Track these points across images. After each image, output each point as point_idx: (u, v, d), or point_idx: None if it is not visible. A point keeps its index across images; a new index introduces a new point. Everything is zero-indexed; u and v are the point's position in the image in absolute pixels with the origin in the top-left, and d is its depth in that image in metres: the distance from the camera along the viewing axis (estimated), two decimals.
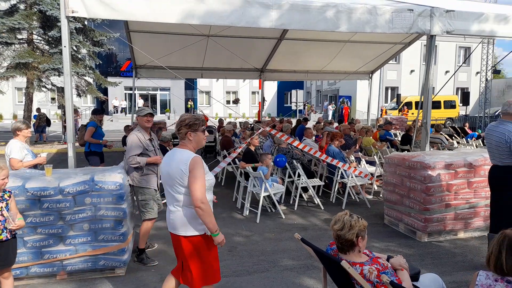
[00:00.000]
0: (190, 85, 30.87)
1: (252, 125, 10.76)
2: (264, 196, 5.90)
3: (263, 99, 15.25)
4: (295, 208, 6.21)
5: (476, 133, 11.67)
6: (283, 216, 5.76)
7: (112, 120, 26.96)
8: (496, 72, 19.92)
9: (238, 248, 4.57)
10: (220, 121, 12.87)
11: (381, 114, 20.99)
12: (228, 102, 36.26)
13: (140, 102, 29.83)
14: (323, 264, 2.59)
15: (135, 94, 17.35)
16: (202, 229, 2.60)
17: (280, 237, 4.92)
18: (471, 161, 4.79)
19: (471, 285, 2.02)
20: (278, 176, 6.82)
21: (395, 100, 23.38)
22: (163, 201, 5.20)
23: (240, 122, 11.75)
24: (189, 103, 34.61)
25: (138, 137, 4.12)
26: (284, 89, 38.62)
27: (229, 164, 7.27)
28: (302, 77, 14.04)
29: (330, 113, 28.49)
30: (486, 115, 18.37)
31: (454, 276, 3.82)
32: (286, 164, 6.50)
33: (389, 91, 29.31)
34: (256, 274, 3.88)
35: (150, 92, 33.65)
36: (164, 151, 6.43)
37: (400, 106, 21.64)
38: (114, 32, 14.97)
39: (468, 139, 10.34)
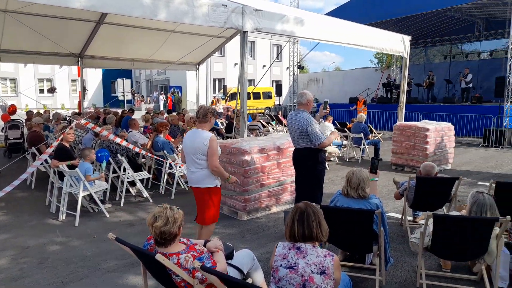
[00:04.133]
0: None
1: (69, 118, 9.58)
2: (84, 196, 5.36)
3: (84, 88, 13.77)
4: (122, 205, 5.88)
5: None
6: (108, 215, 5.37)
7: None
8: (301, 67, 23.45)
9: (50, 259, 4.01)
10: (29, 113, 10.96)
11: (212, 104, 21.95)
12: (42, 91, 31.29)
13: None
14: (142, 260, 2.52)
15: None
16: (214, 183, 3.76)
17: (103, 238, 4.56)
18: (279, 145, 5.49)
19: (272, 255, 2.31)
20: (101, 171, 6.29)
21: (221, 91, 24.77)
22: None
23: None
24: None
25: None
26: (111, 78, 35.83)
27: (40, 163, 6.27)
28: (128, 65, 13.29)
29: (162, 103, 28.08)
30: (294, 104, 21.48)
31: (267, 246, 4.33)
32: (110, 159, 6.06)
33: (217, 82, 30.85)
34: (73, 283, 3.49)
35: None
36: None
37: (227, 97, 23.06)
38: None
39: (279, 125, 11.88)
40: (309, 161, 4.42)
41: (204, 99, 21.09)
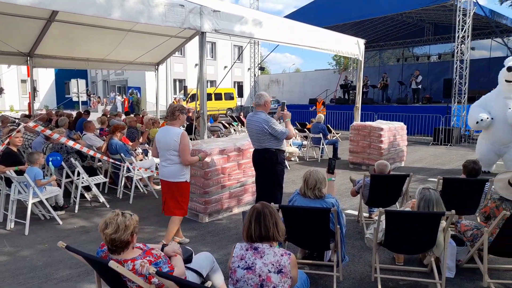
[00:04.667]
0: None
1: (17, 121, 9.01)
2: (34, 203, 5.08)
3: (34, 89, 13.05)
4: (76, 211, 5.63)
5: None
6: (60, 222, 5.12)
7: None
8: (261, 69, 23.58)
9: None
10: None
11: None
12: None
13: None
14: (95, 268, 2.43)
15: None
16: (184, 178, 4.07)
17: (55, 247, 4.32)
18: (240, 146, 5.50)
19: (230, 257, 2.31)
20: (53, 175, 5.99)
21: (182, 92, 24.43)
22: None
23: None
24: None
25: None
26: (64, 78, 34.21)
27: None
28: (82, 65, 12.74)
29: (119, 104, 27.19)
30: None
31: (229, 248, 4.31)
32: (62, 163, 5.79)
33: (177, 83, 30.38)
34: None
35: None
36: None
37: (188, 98, 22.76)
38: None
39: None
40: (268, 162, 4.46)
41: (164, 100, 20.67)
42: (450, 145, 12.42)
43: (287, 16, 16.90)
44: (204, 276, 2.76)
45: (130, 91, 28.10)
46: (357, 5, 16.50)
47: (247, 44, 19.03)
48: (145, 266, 2.23)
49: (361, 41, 9.56)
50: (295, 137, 10.32)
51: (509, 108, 7.34)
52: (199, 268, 2.72)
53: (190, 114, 13.04)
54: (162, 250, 2.57)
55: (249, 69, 24.71)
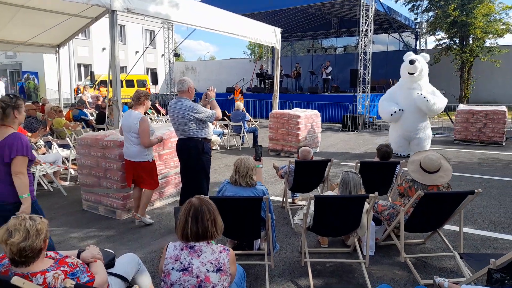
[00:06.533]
0: None
1: None
2: None
3: None
4: None
5: None
6: None
7: None
8: (176, 55, 22.70)
9: None
10: None
11: (76, 92, 19.68)
12: None
13: None
14: None
15: None
16: (146, 158, 4.37)
17: None
18: (160, 135, 5.14)
19: (162, 258, 2.08)
20: None
21: (89, 78, 22.40)
22: None
23: None
24: None
25: None
26: None
27: None
28: None
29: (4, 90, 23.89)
30: (172, 93, 20.81)
31: (152, 245, 4.03)
32: None
33: (82, 68, 27.77)
34: None
35: None
36: None
37: (95, 84, 20.95)
38: None
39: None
40: (194, 151, 4.24)
41: (68, 87, 18.71)
42: (357, 131, 13.44)
43: (203, 1, 16.44)
44: (130, 281, 2.49)
45: (25, 76, 24.86)
46: None
47: (160, 28, 18.10)
48: (59, 278, 1.90)
49: (278, 30, 9.70)
50: (215, 126, 10.17)
51: (418, 93, 8.04)
52: (124, 272, 2.44)
53: (100, 102, 12.00)
54: (78, 256, 2.23)
55: (162, 55, 23.62)
